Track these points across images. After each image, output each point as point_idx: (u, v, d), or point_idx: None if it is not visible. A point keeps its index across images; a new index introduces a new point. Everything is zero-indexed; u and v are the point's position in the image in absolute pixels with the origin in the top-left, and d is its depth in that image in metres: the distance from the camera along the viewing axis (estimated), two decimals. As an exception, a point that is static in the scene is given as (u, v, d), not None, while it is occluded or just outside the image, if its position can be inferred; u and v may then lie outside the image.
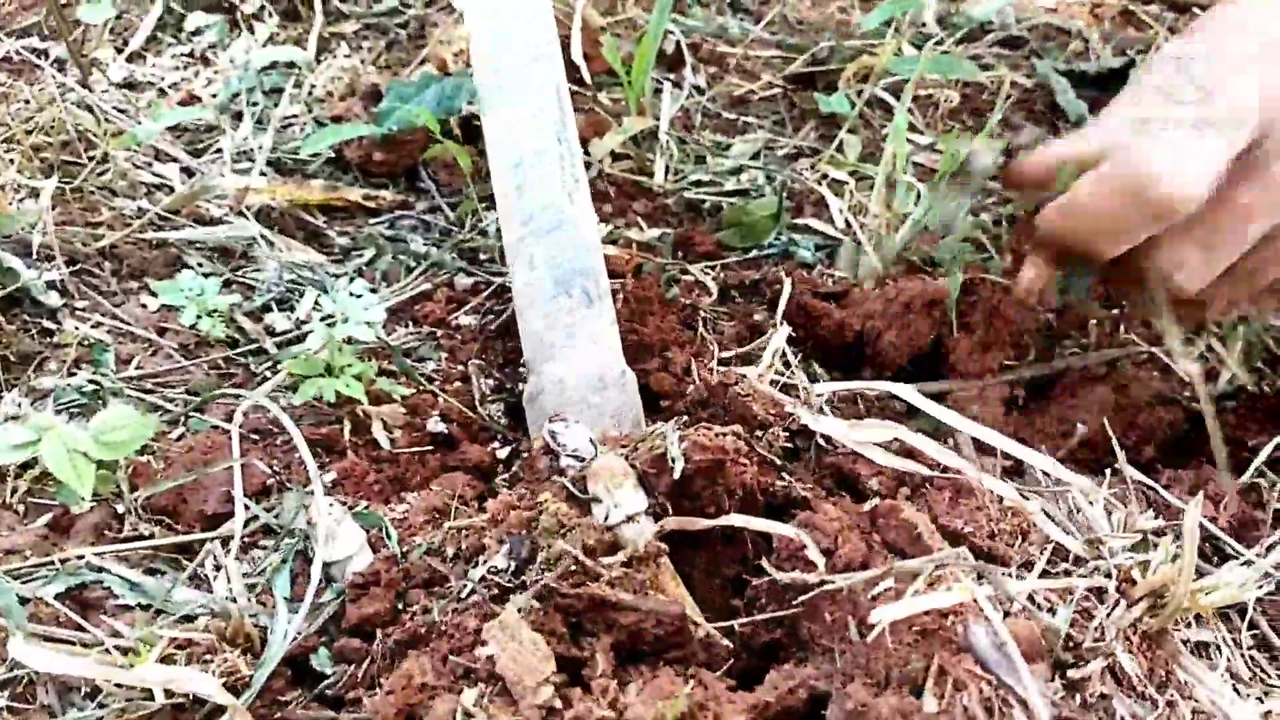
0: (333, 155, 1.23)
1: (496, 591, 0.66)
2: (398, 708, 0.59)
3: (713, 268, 1.16)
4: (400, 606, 0.69)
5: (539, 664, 0.57)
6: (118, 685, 0.65)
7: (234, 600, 0.72)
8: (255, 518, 0.81)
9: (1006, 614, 0.59)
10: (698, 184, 1.24)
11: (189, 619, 0.71)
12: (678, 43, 1.40)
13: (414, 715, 0.59)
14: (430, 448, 0.95)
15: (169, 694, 0.64)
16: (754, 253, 1.17)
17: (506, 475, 0.94)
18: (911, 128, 1.30)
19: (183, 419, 0.92)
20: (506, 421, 0.99)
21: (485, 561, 0.68)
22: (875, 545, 0.64)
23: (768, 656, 0.67)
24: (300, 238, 1.15)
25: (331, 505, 0.77)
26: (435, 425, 0.96)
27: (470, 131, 1.22)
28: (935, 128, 1.35)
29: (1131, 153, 0.81)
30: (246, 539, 0.80)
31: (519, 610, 0.64)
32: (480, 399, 1.00)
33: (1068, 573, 0.65)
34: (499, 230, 1.09)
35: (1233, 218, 0.81)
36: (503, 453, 0.97)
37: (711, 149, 1.29)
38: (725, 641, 0.65)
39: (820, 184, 1.24)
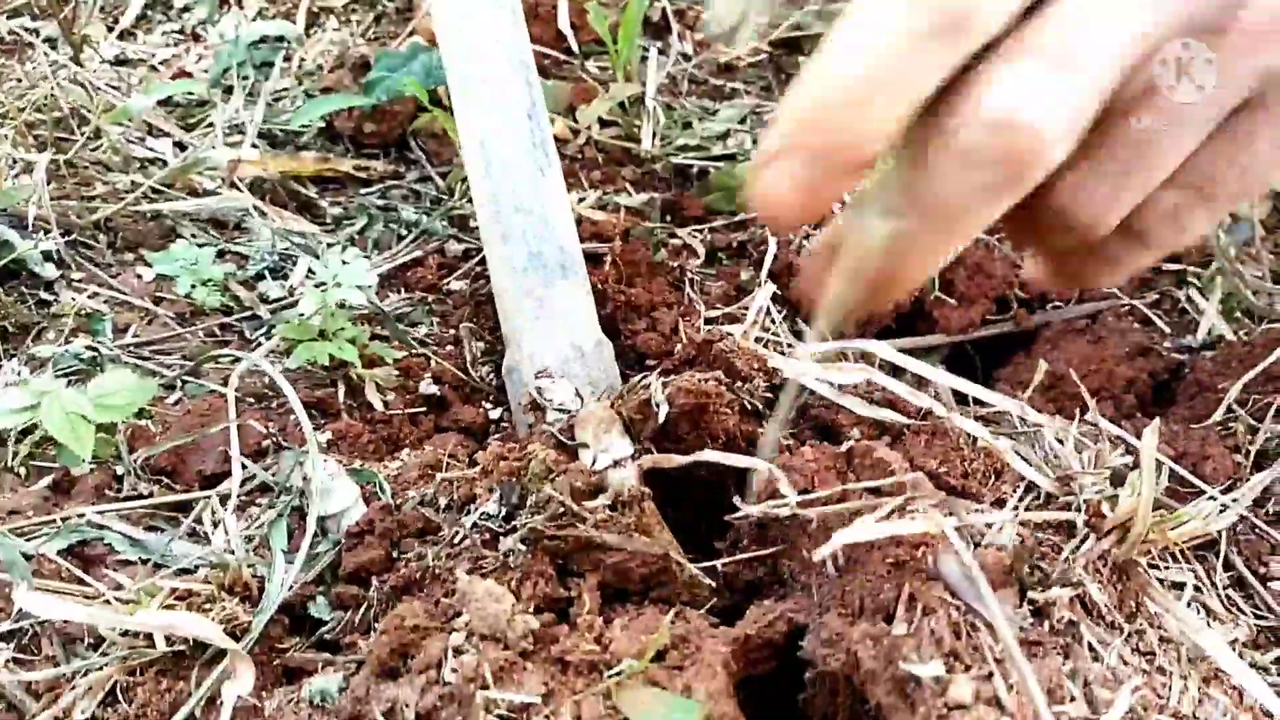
0: (324, 126, 1.24)
1: (488, 536, 0.68)
2: (391, 647, 0.60)
3: (700, 231, 1.17)
4: (395, 555, 0.71)
5: (500, 604, 0.59)
6: (121, 634, 0.67)
7: (232, 552, 0.74)
8: (252, 476, 0.83)
9: (976, 545, 0.61)
10: (685, 149, 1.26)
11: (188, 571, 0.73)
12: (664, 10, 1.41)
13: (407, 654, 0.61)
14: (423, 409, 0.97)
15: (170, 641, 0.67)
16: (741, 216, 1.19)
17: (499, 435, 0.96)
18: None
19: (179, 384, 0.93)
20: (498, 383, 1.01)
21: (477, 509, 0.70)
22: (851, 483, 0.65)
23: (750, 595, 0.69)
24: (292, 208, 1.17)
25: (327, 461, 0.79)
26: (428, 387, 0.98)
27: (458, 101, 1.23)
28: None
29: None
30: (244, 497, 0.82)
31: (507, 554, 0.66)
32: (472, 361, 1.02)
33: (1040, 509, 0.67)
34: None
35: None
36: (495, 413, 0.99)
37: (698, 114, 1.31)
38: (708, 580, 0.67)
39: (806, 147, 1.25)
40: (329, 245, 1.10)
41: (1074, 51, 0.42)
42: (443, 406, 0.98)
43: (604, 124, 1.26)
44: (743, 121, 1.31)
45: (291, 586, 0.72)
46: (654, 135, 1.26)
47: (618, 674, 0.56)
